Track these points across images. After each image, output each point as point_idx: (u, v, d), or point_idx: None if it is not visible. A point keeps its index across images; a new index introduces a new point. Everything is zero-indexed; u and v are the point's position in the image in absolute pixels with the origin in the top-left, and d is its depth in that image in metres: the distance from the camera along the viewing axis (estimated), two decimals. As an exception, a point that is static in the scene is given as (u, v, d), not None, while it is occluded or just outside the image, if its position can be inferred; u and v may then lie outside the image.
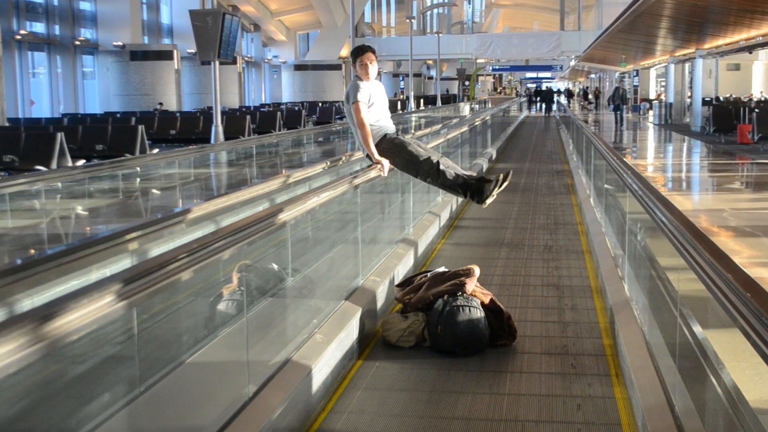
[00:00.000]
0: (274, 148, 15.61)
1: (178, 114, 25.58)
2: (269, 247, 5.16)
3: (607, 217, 8.12)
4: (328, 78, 52.49)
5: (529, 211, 11.37)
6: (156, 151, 17.01)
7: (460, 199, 10.94)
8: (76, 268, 3.23)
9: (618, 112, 30.12)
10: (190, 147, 13.84)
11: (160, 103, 31.92)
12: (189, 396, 3.64)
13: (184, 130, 21.81)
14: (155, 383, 3.32)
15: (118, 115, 25.39)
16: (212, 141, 15.99)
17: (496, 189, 5.91)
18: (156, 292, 2.57)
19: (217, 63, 15.21)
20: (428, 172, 6.03)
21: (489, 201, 5.94)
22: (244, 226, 3.32)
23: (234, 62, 40.20)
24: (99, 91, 33.82)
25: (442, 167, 5.98)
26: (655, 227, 3.95)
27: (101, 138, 16.26)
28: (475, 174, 6.25)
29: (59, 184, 8.46)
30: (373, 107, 6.05)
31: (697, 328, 3.47)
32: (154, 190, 9.20)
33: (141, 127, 16.38)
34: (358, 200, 5.74)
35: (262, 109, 31.22)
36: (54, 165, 13.27)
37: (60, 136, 13.52)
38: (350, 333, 4.77)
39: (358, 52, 6.09)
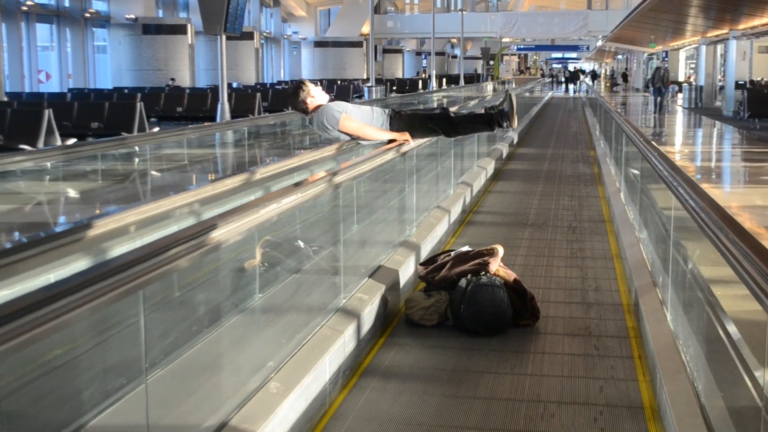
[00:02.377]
0: (277, 129, 14.58)
1: (187, 90, 24.65)
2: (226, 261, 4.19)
3: (641, 219, 7.06)
4: (348, 55, 51.70)
5: (551, 204, 10.31)
6: (156, 129, 16.07)
7: (473, 194, 9.95)
8: None
9: (659, 97, 27.69)
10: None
11: (172, 79, 30.99)
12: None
13: (192, 107, 20.95)
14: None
15: (126, 91, 24.51)
16: (218, 119, 15.09)
17: (513, 108, 5.87)
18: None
19: (223, 37, 14.31)
20: (444, 127, 6.04)
21: (516, 120, 5.90)
22: (144, 256, 2.34)
23: (251, 38, 39.24)
24: (111, 65, 32.94)
25: (454, 119, 6.00)
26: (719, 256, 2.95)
27: (98, 115, 15.38)
28: (484, 111, 6.15)
29: (48, 164, 7.66)
30: (353, 114, 5.83)
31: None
32: (105, 185, 8.14)
33: (140, 105, 15.45)
34: (340, 202, 4.74)
35: (276, 87, 30.18)
36: (41, 144, 12.38)
37: (48, 113, 12.63)
38: (319, 376, 3.79)
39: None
